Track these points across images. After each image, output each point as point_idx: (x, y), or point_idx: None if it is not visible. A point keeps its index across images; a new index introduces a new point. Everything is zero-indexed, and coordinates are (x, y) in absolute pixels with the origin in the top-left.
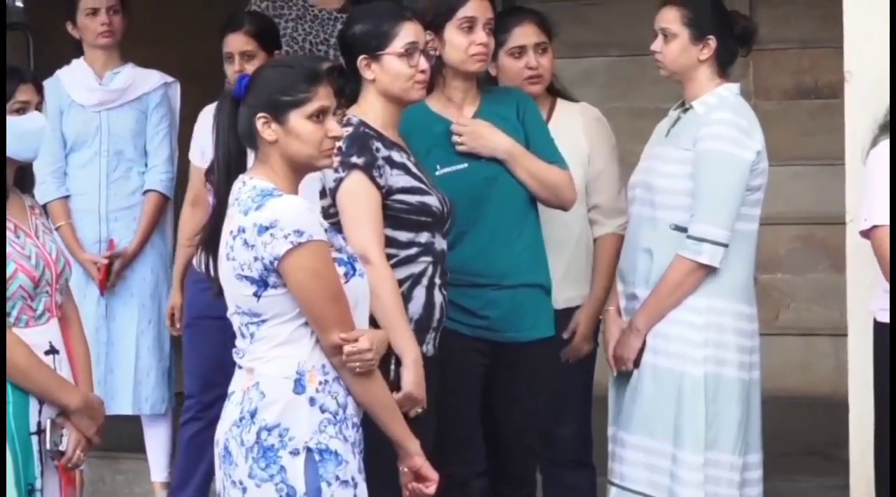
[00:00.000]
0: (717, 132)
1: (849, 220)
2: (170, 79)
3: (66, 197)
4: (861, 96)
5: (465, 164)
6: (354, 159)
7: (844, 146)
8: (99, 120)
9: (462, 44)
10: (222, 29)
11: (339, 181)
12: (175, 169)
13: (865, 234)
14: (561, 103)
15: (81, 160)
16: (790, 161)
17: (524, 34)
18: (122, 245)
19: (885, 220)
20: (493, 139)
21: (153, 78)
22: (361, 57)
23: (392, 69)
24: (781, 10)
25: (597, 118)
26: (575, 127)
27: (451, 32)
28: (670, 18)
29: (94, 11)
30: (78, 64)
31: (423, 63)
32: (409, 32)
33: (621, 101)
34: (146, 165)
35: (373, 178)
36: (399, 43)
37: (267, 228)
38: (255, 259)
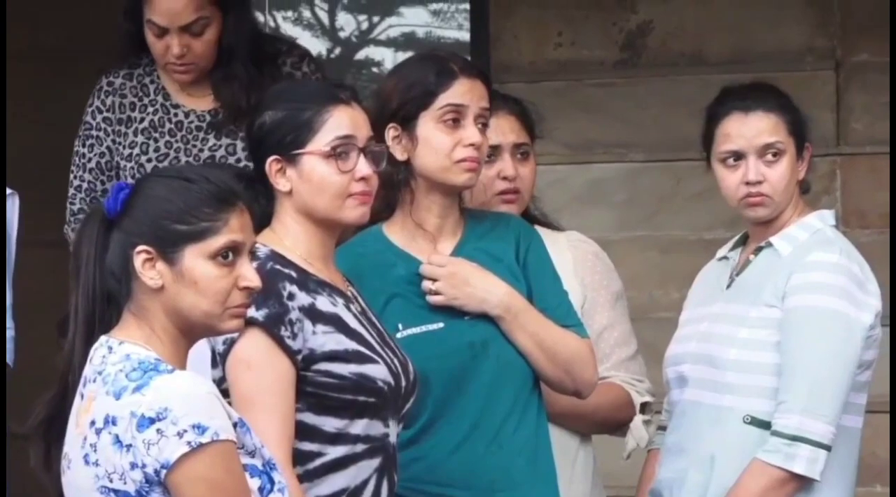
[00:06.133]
0: (821, 282)
1: None
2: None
3: None
4: None
5: (441, 323)
6: (252, 312)
7: None
8: None
9: (444, 144)
10: None
11: (229, 344)
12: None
13: None
14: (540, 232)
15: None
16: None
17: (500, 130)
18: None
19: None
20: (484, 287)
21: None
22: (271, 158)
23: (314, 176)
24: (881, 97)
25: (594, 254)
26: (562, 266)
27: (428, 127)
28: (772, 129)
29: None
30: None
31: (364, 168)
32: (340, 121)
33: (647, 228)
34: None
35: (279, 340)
36: (325, 137)
37: (153, 421)
38: (133, 466)
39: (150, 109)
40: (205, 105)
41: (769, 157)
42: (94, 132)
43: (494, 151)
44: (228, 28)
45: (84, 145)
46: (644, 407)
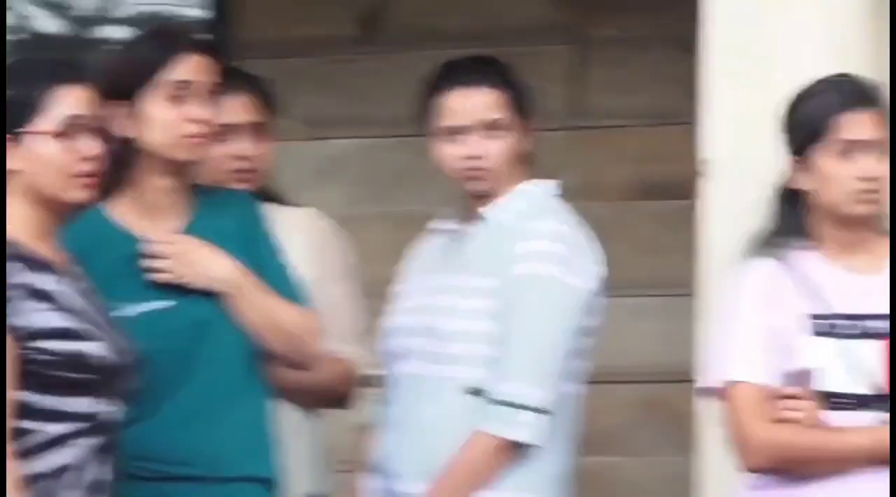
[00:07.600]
0: (539, 250)
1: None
2: None
3: None
4: (723, 196)
5: (166, 302)
6: None
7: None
8: None
9: (169, 121)
10: None
11: None
12: None
13: (714, 393)
14: (275, 209)
15: None
16: (628, 290)
17: (234, 109)
18: None
19: (748, 374)
20: (210, 265)
21: None
22: None
23: (40, 156)
24: (619, 72)
25: (326, 230)
26: (296, 242)
27: (153, 103)
28: (494, 104)
29: None
30: None
31: (91, 147)
32: (69, 101)
33: (381, 203)
34: None
35: None
36: (53, 116)
37: None
38: None
39: None
40: None
41: (490, 131)
42: None
43: (231, 130)
44: None
45: None
46: (370, 381)
